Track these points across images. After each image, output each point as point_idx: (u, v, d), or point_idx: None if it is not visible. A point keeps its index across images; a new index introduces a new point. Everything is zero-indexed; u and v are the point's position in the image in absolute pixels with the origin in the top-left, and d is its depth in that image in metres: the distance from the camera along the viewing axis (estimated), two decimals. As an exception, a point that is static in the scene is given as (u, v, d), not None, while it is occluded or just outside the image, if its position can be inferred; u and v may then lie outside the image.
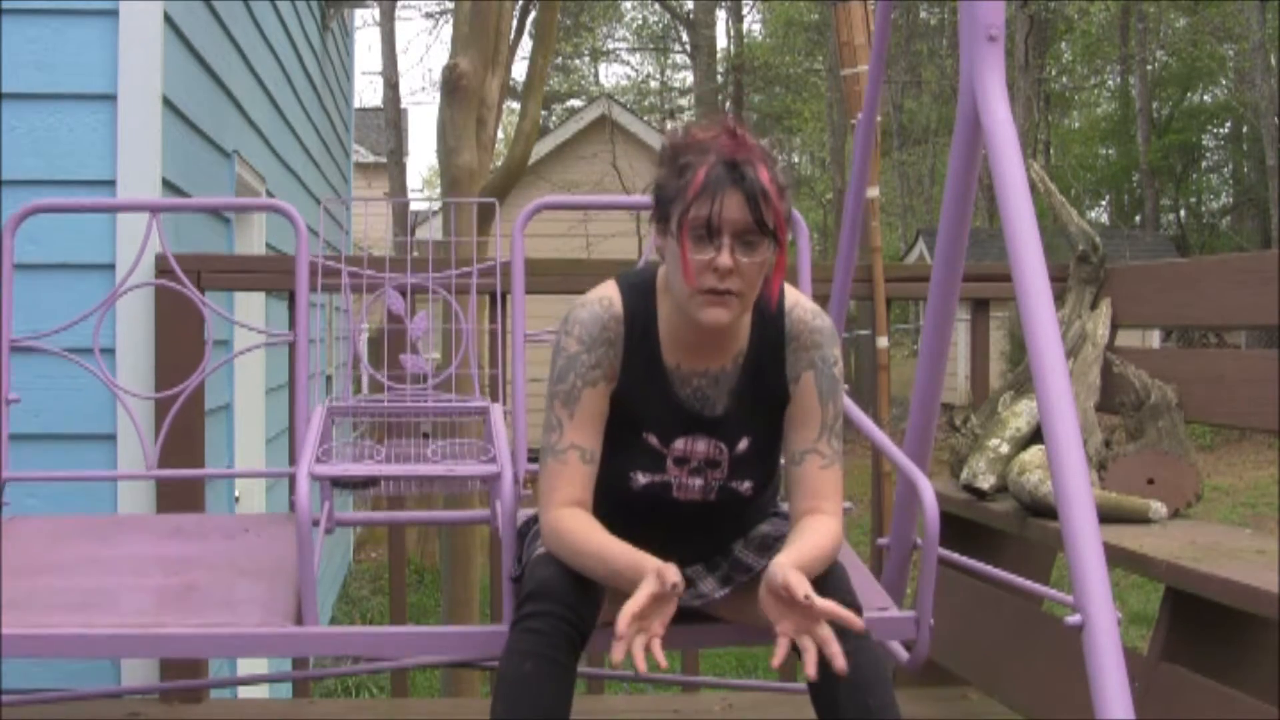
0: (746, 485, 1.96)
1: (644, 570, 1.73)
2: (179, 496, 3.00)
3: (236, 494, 4.42)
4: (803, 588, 1.67)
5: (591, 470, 1.90)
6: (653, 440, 1.93)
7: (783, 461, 2.00)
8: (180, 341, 3.00)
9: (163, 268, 2.96)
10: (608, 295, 1.94)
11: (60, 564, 2.23)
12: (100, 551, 2.30)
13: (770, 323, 1.94)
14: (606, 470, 1.92)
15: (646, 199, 1.96)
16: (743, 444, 1.94)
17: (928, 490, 1.97)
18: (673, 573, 1.71)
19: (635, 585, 1.73)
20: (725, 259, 1.77)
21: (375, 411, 2.52)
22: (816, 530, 1.85)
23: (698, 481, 1.94)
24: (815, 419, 1.93)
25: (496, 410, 2.39)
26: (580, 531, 1.83)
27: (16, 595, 2.04)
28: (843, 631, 1.73)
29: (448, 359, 2.77)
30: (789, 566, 1.73)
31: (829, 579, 1.82)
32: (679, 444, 1.93)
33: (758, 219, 1.78)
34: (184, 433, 2.82)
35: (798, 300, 1.97)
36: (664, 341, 1.92)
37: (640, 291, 1.94)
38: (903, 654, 2.19)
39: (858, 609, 1.79)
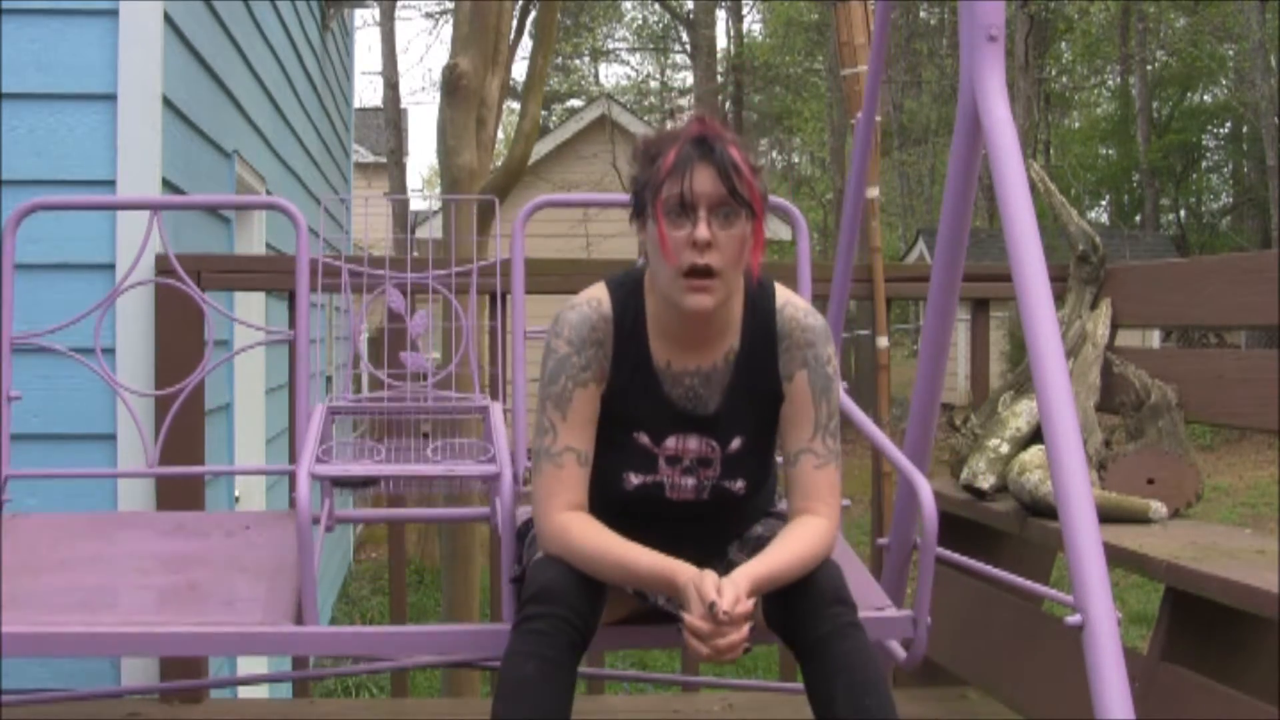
0: (740, 484, 1.95)
1: (676, 579, 1.74)
2: (179, 495, 3.00)
3: (237, 494, 4.42)
4: (725, 599, 1.68)
5: (586, 472, 1.90)
6: (644, 440, 1.92)
7: (780, 462, 1.99)
8: (180, 341, 3.00)
9: (163, 268, 2.96)
10: (596, 296, 1.94)
11: (62, 561, 2.23)
12: (103, 549, 2.30)
13: (762, 320, 1.93)
14: (598, 471, 1.92)
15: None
16: (736, 442, 1.94)
17: (925, 490, 1.98)
18: (710, 586, 1.70)
19: (665, 590, 1.77)
20: (703, 231, 1.77)
21: (375, 411, 2.52)
22: (795, 535, 1.84)
23: (690, 481, 1.93)
24: (809, 418, 1.92)
25: (496, 409, 2.38)
26: (591, 538, 1.82)
27: (18, 593, 2.04)
28: (840, 632, 1.74)
29: (448, 358, 2.77)
30: (739, 578, 1.73)
31: (819, 576, 1.81)
32: (670, 442, 1.92)
33: (730, 189, 1.78)
34: (184, 431, 2.82)
35: (789, 299, 1.97)
36: (653, 339, 1.92)
37: (628, 290, 1.94)
38: (900, 653, 2.18)
39: (850, 605, 1.79)
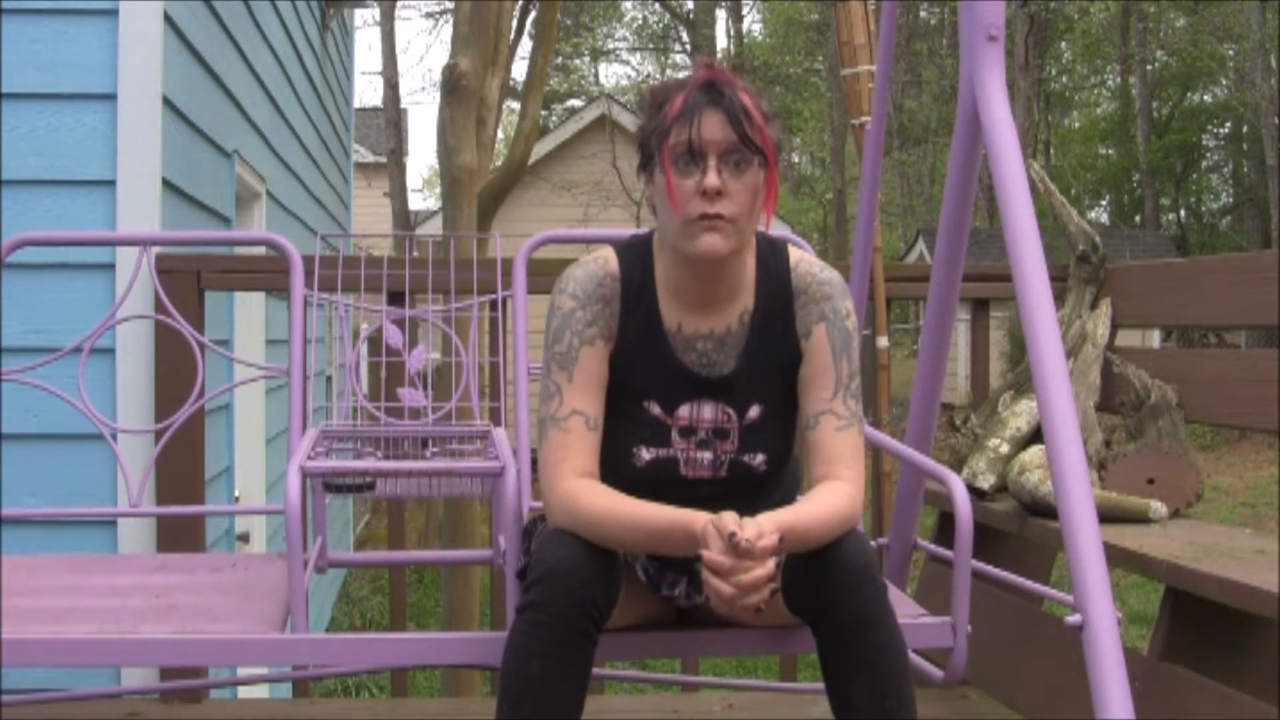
0: (760, 459, 1.83)
1: (694, 525, 1.62)
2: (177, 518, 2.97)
3: (237, 493, 4.42)
4: (748, 532, 1.55)
5: (597, 438, 1.78)
6: (655, 409, 1.82)
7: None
8: (180, 346, 2.98)
9: (163, 266, 2.96)
10: (602, 255, 1.86)
11: (36, 589, 2.11)
12: (79, 581, 2.19)
13: (776, 276, 1.84)
14: (607, 447, 1.80)
15: (646, 231, 1.91)
16: (754, 411, 1.83)
17: (960, 489, 1.85)
18: (730, 520, 1.58)
19: (687, 547, 1.63)
20: (712, 179, 1.69)
21: (371, 434, 2.44)
22: (821, 496, 1.71)
23: (706, 455, 1.82)
24: (829, 377, 1.81)
25: (499, 432, 2.30)
26: (603, 501, 1.70)
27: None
28: (867, 621, 1.63)
29: (448, 381, 2.73)
30: (763, 518, 1.60)
31: (844, 548, 1.67)
32: (684, 411, 1.81)
33: (742, 135, 1.70)
34: (182, 448, 2.79)
35: (802, 256, 1.88)
36: (663, 301, 1.82)
37: (636, 252, 1.85)
38: (935, 673, 1.99)
39: (879, 584, 1.67)
